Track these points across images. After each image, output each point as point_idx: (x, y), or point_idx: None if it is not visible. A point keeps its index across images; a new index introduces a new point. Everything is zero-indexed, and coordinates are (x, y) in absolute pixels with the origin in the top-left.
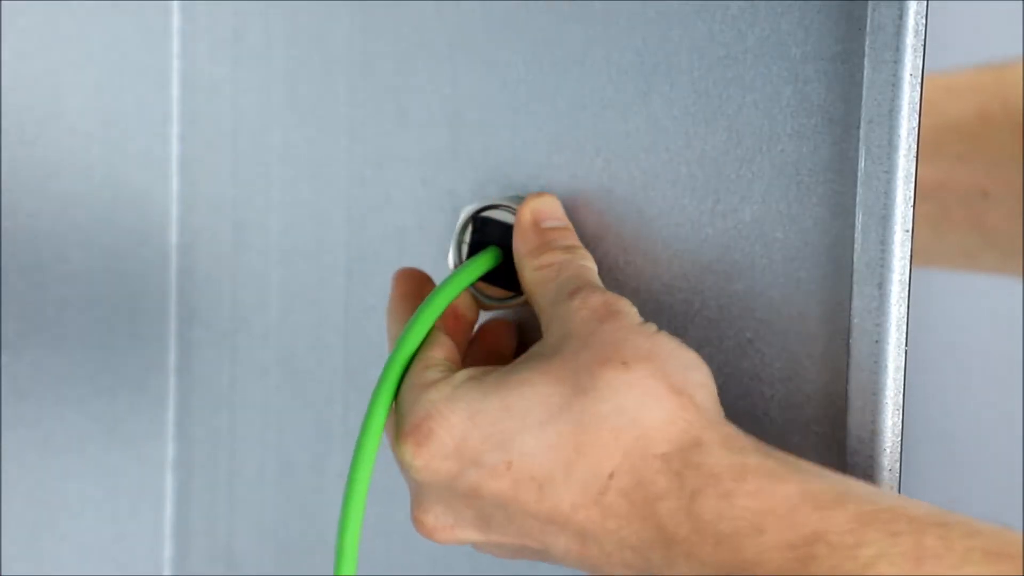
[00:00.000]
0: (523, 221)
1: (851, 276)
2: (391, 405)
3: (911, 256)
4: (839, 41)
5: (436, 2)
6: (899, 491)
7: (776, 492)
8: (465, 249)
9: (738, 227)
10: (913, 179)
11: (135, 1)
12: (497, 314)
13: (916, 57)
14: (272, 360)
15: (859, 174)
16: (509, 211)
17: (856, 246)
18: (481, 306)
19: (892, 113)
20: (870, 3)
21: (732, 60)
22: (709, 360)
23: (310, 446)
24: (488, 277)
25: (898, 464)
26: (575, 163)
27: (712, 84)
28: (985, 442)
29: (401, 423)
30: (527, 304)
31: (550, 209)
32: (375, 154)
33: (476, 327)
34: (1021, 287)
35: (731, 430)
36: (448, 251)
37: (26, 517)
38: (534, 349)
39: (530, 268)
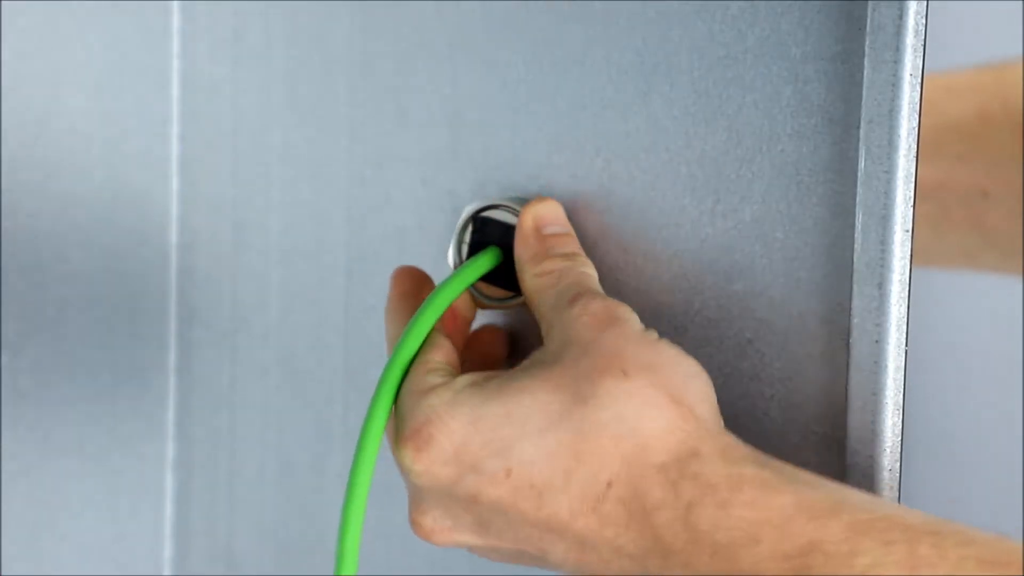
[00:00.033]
0: (525, 227)
1: (851, 276)
2: (391, 408)
3: (911, 256)
4: (839, 41)
5: (436, 2)
6: (899, 491)
7: (772, 502)
8: (465, 249)
9: (738, 227)
10: (913, 179)
11: (135, 1)
12: (489, 321)
13: (916, 57)
14: (272, 360)
15: (859, 174)
16: (509, 211)
17: (856, 246)
18: (480, 305)
19: (892, 113)
20: (870, 3)
21: (732, 60)
22: (709, 360)
23: (310, 446)
24: (488, 277)
25: (898, 464)
26: (575, 163)
27: (712, 84)
28: (985, 442)
29: (401, 427)
30: (525, 305)
31: (552, 215)
32: (375, 154)
33: (472, 327)
34: (1021, 287)
35: (729, 440)
36: (448, 251)
37: (26, 517)
38: (535, 356)
39: (531, 274)
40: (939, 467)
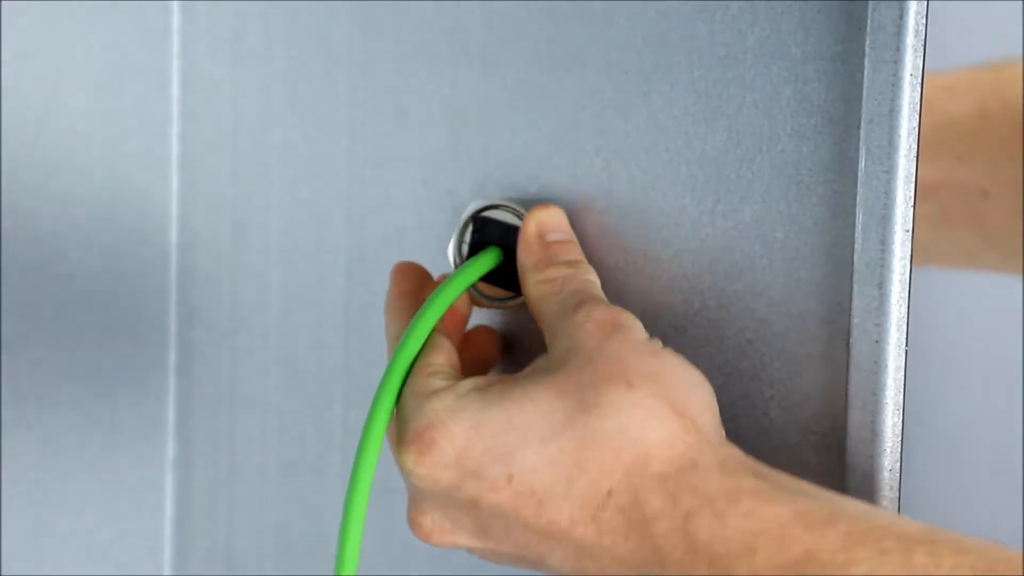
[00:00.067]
0: (528, 233)
1: (851, 276)
2: (392, 410)
3: (911, 256)
4: (839, 41)
5: (436, 2)
6: (899, 491)
7: (768, 513)
8: (465, 249)
9: (738, 227)
10: (913, 179)
11: (135, 1)
12: (482, 323)
13: (916, 57)
14: (272, 360)
15: (859, 174)
16: (509, 211)
17: (856, 246)
18: (479, 305)
19: (892, 113)
20: (870, 3)
21: (732, 60)
22: (709, 360)
23: (310, 446)
24: (487, 277)
25: (898, 464)
26: (575, 163)
27: (712, 84)
28: (985, 442)
29: (404, 430)
30: (524, 305)
31: (555, 221)
32: (375, 154)
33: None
34: (1021, 287)
35: (729, 452)
36: (448, 251)
37: (26, 517)
38: (538, 362)
39: (534, 281)
40: (939, 467)
